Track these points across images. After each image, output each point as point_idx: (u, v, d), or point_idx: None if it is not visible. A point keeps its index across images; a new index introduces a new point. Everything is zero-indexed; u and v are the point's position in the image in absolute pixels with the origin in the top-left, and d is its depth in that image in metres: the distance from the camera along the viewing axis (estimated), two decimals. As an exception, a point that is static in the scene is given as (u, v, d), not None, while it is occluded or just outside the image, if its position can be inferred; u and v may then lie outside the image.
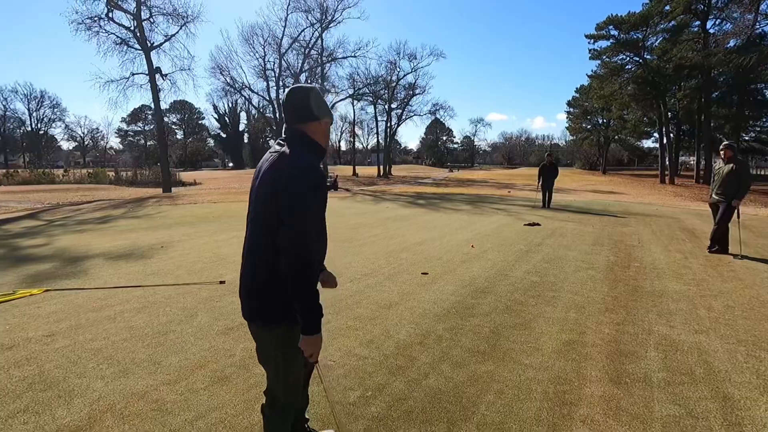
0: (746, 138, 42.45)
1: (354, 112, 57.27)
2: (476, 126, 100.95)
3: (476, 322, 3.64)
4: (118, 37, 25.84)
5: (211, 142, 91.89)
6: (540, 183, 13.36)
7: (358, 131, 73.58)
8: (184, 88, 73.89)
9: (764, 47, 31.69)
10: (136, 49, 26.32)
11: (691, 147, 44.46)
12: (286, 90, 1.66)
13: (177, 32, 27.07)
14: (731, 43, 33.24)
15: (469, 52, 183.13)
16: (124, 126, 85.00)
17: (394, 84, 52.03)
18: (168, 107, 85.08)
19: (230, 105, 74.89)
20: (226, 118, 79.54)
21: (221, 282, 4.81)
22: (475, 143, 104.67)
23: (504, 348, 3.15)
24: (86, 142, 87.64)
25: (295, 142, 1.60)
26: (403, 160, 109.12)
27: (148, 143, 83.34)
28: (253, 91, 39.09)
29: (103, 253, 6.46)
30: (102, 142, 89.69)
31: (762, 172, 49.45)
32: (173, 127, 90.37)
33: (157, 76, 26.99)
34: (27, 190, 28.05)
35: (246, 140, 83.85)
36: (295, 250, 1.44)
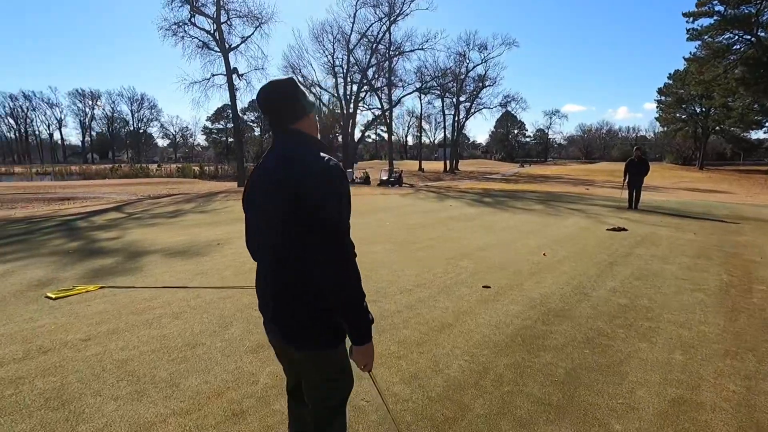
0: None
1: (421, 106, 56.20)
2: (551, 118, 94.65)
3: (548, 359, 2.95)
4: (200, 40, 27.59)
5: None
6: (626, 180, 11.80)
7: (425, 126, 72.58)
8: (258, 86, 77.68)
9: None
10: (216, 51, 27.91)
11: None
12: (264, 87, 1.42)
13: (252, 33, 28.27)
14: None
15: (544, 40, 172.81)
16: (208, 124, 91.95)
17: (462, 76, 50.40)
18: (246, 106, 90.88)
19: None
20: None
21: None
22: (550, 136, 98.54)
23: (585, 402, 2.44)
24: (177, 140, 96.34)
25: (300, 145, 1.40)
26: (471, 154, 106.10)
27: (229, 140, 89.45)
28: (322, 88, 39.95)
29: (163, 248, 6.59)
30: (191, 139, 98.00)
31: None
32: (251, 124, 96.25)
33: (234, 76, 28.46)
34: (126, 183, 31.24)
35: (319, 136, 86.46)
36: (341, 257, 1.29)
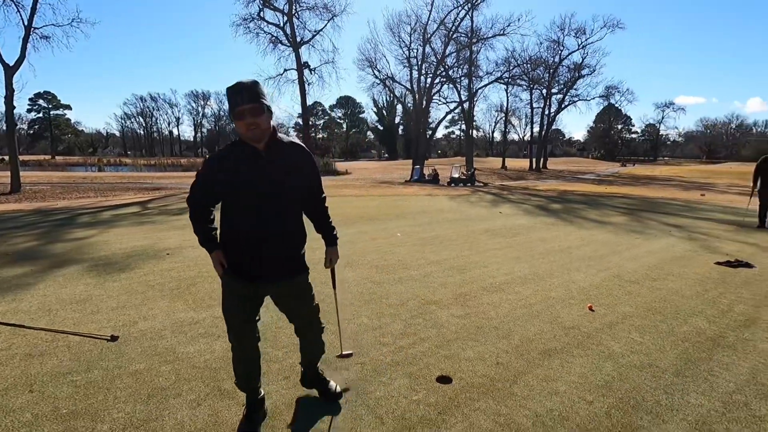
0: None
1: (507, 99, 51.78)
2: (663, 111, 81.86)
3: None
4: (272, 35, 27.73)
5: (370, 134, 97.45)
6: (756, 188, 8.37)
7: (513, 121, 67.23)
8: (329, 80, 79.45)
9: None
10: (287, 45, 27.85)
11: None
12: (248, 83, 1.81)
13: (325, 26, 27.66)
14: None
15: (653, 22, 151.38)
16: (299, 120, 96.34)
17: (555, 65, 45.26)
18: (334, 103, 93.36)
19: (388, 98, 77.54)
20: (384, 111, 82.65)
21: (112, 338, 3.04)
22: (661, 132, 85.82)
23: None
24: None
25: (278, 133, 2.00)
26: (565, 152, 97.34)
27: (318, 135, 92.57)
28: (396, 81, 38.39)
29: (101, 257, 5.47)
30: (285, 134, 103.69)
31: None
32: (339, 120, 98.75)
33: (306, 70, 28.23)
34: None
35: (401, 132, 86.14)
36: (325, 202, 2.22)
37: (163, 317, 3.44)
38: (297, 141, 2.04)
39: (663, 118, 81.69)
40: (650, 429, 2.11)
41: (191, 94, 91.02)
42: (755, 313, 3.71)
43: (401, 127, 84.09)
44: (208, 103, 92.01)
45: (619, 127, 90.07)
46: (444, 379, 2.56)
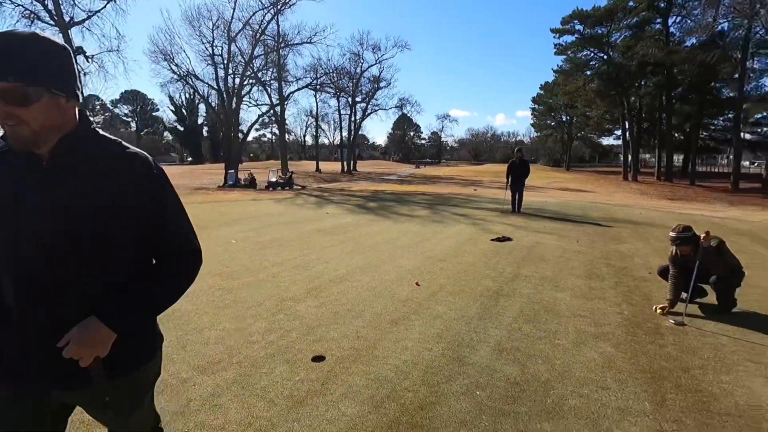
0: (703, 135, 42.84)
1: (317, 104, 53.80)
2: (443, 122, 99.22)
3: None
4: (25, 8, 21.98)
5: (168, 135, 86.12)
6: (509, 183, 11.34)
7: (323, 126, 70.08)
8: (115, 72, 68.19)
9: (727, 44, 31.46)
10: (50, 24, 22.54)
11: (650, 145, 44.46)
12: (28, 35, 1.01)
13: (104, 7, 23.41)
14: (692, 41, 33.13)
15: (435, 46, 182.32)
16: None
17: (357, 76, 49.49)
18: (118, 98, 79.22)
19: (188, 96, 69.85)
20: (184, 110, 74.26)
21: None
22: (442, 139, 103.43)
23: None
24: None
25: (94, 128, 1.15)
26: (371, 155, 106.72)
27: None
28: (199, 79, 35.39)
29: None
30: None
31: (713, 170, 50.37)
32: (125, 118, 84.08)
33: (81, 57, 23.35)
34: None
35: (205, 133, 79.23)
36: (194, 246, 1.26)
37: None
38: (125, 143, 1.16)
39: (443, 127, 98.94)
40: (470, 356, 2.96)
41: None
42: (518, 270, 5.28)
43: (206, 129, 77.70)
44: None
45: (412, 133, 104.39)
46: (318, 359, 2.92)
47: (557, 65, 45.43)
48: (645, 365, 2.87)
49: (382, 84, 51.70)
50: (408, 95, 72.01)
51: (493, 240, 7.22)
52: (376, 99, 53.20)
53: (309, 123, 70.01)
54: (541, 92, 57.45)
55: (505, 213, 10.99)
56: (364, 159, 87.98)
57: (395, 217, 10.44)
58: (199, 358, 2.88)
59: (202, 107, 70.72)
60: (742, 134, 35.49)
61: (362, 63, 49.25)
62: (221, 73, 33.95)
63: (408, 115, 66.26)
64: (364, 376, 2.68)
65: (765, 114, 37.46)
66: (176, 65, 33.43)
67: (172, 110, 74.41)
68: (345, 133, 56.43)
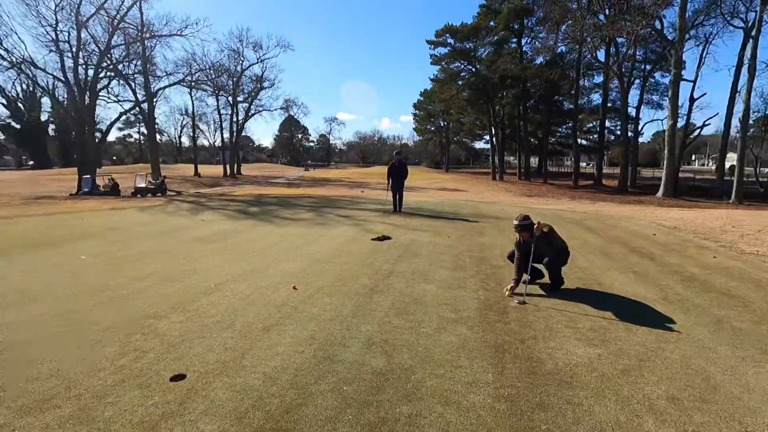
0: (552, 140, 50.60)
1: (192, 103, 49.54)
2: (331, 124, 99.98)
3: None
4: None
5: (0, 135, 70.46)
6: (390, 184, 11.90)
7: (202, 126, 64.58)
8: None
9: (565, 64, 37.54)
10: None
11: (513, 148, 50.82)
12: None
13: None
14: (540, 60, 38.80)
15: (320, 49, 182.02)
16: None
17: (238, 75, 46.87)
18: None
19: (25, 87, 57.98)
20: (21, 104, 61.42)
21: None
22: (331, 142, 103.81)
23: None
24: None
25: None
26: (258, 158, 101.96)
27: None
28: (38, 68, 29.79)
29: None
30: None
31: (561, 170, 59.59)
32: None
33: None
34: None
35: (52, 133, 66.95)
36: None
37: None
38: None
39: (331, 130, 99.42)
40: (341, 354, 3.04)
41: None
42: (393, 267, 5.58)
43: (52, 127, 65.90)
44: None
45: (300, 136, 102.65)
46: (178, 377, 2.71)
47: (434, 74, 48.89)
48: (491, 341, 3.29)
49: (266, 84, 49.90)
50: (294, 97, 70.71)
51: (373, 239, 7.50)
52: (259, 99, 51.13)
53: (185, 123, 63.89)
54: (422, 99, 61.33)
55: (387, 213, 11.48)
56: (250, 162, 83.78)
57: (278, 221, 10.16)
58: (24, 398, 2.45)
59: (46, 101, 59.52)
60: (579, 140, 42.86)
61: (243, 61, 46.91)
62: (69, 62, 29.09)
63: (295, 116, 64.92)
64: (229, 389, 2.57)
65: (594, 124, 45.64)
66: (5, 50, 27.72)
67: (2, 104, 61.25)
68: (227, 135, 53.02)
